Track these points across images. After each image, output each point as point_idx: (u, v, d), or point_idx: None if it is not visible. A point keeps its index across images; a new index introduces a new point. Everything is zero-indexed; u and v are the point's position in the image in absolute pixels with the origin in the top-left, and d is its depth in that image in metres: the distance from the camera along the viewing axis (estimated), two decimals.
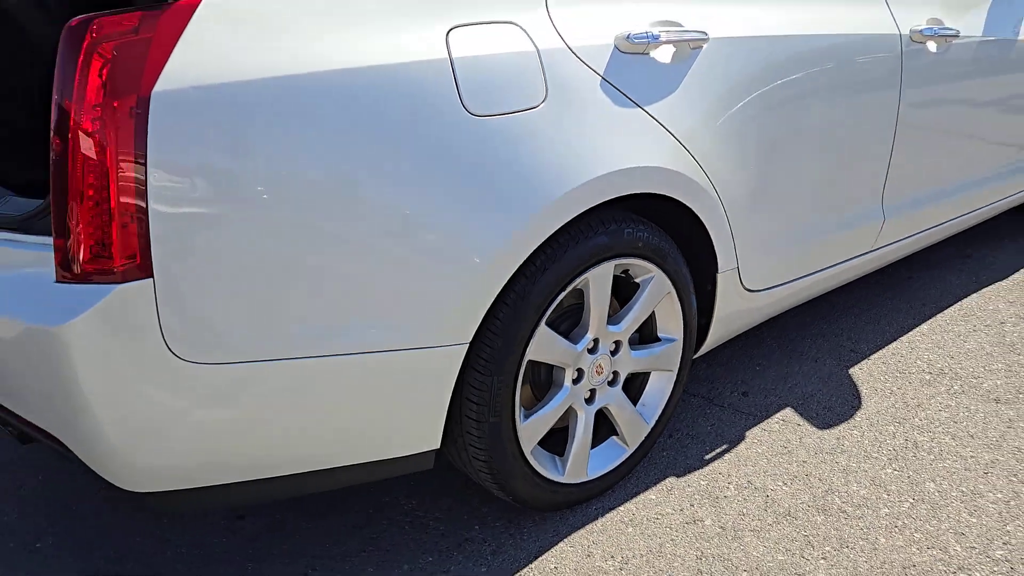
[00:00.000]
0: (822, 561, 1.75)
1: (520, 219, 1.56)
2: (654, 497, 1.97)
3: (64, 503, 2.02)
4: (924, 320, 2.81)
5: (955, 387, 2.41)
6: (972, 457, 2.09)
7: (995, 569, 1.70)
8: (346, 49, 1.41)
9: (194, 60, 1.29)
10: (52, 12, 2.07)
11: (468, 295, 1.54)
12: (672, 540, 1.83)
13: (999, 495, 1.94)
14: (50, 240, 1.39)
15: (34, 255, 1.43)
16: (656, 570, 1.74)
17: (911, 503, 1.92)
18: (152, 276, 1.31)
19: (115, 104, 1.26)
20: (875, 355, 2.60)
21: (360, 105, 1.41)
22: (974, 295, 3.00)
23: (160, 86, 1.27)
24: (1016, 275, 3.15)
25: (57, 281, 1.34)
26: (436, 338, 1.54)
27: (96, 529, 1.93)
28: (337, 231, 1.41)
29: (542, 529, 1.88)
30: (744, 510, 1.92)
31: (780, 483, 2.01)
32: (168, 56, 1.28)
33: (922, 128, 2.50)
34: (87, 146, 1.27)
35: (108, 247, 1.30)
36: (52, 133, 1.29)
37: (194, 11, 1.31)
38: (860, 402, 2.35)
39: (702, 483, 2.02)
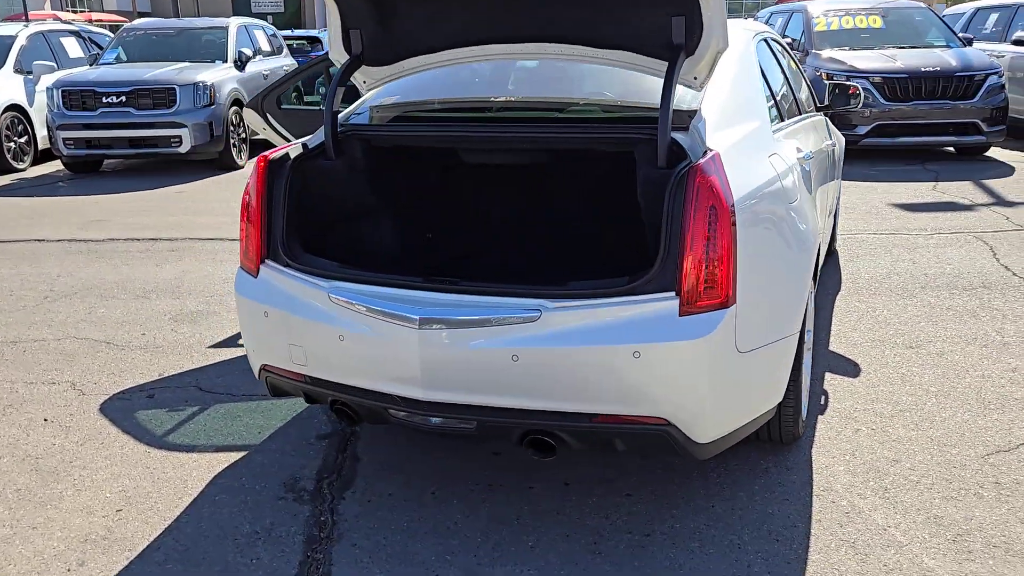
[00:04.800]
0: (901, 428, 3.23)
1: (810, 263, 2.85)
2: (821, 425, 3.29)
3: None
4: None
5: (894, 346, 4.11)
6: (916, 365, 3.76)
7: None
8: (757, 170, 2.61)
9: (732, 178, 2.40)
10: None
11: (802, 308, 2.77)
12: (848, 438, 3.17)
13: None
14: (654, 296, 2.33)
15: (641, 307, 2.34)
16: (853, 446, 3.06)
17: (918, 395, 3.51)
18: (736, 305, 2.36)
19: (717, 212, 2.31)
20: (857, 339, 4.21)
21: (769, 195, 2.61)
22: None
23: (734, 196, 2.36)
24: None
25: (680, 316, 2.31)
26: (796, 328, 2.74)
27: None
28: (786, 278, 2.60)
29: (797, 448, 3.09)
30: (862, 422, 3.33)
31: (871, 402, 3.46)
32: (726, 177, 2.37)
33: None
34: (700, 234, 2.30)
35: (717, 290, 2.32)
36: (688, 231, 2.29)
37: (721, 157, 2.42)
38: (858, 367, 3.92)
39: (836, 416, 3.38)
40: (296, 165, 2.88)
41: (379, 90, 3.31)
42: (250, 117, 4.49)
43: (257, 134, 7.75)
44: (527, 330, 2.38)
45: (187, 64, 10.27)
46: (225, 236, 6.68)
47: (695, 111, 2.70)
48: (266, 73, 11.23)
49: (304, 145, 3.00)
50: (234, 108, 10.02)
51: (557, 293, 2.39)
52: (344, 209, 3.09)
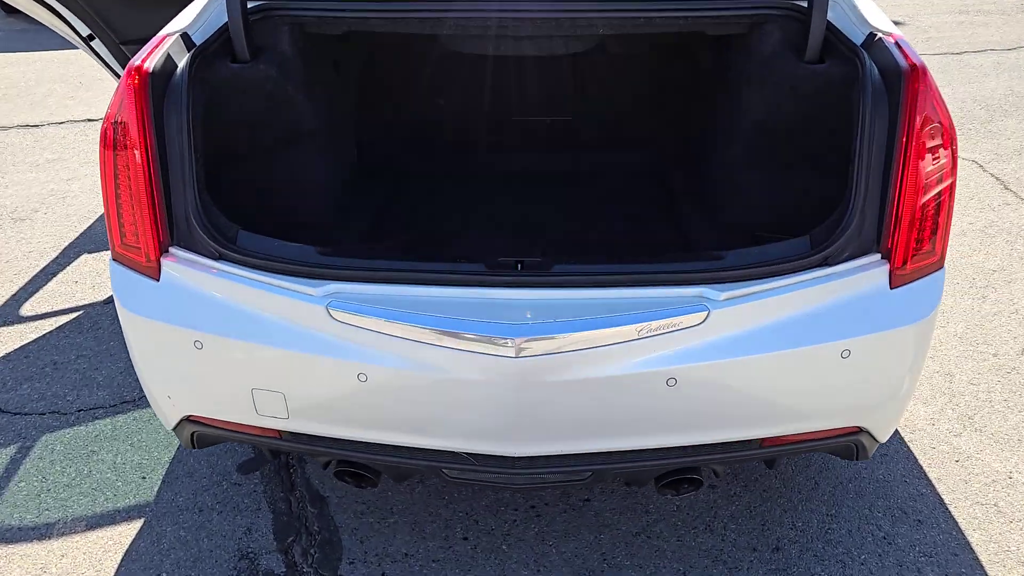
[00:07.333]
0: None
1: None
2: None
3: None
4: None
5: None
6: None
7: None
8: None
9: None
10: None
11: None
12: None
13: None
14: (856, 263, 1.59)
15: (843, 283, 1.59)
16: None
17: None
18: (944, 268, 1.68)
19: (944, 131, 1.58)
20: None
21: None
22: None
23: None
24: None
25: (892, 288, 1.61)
26: None
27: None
28: None
29: None
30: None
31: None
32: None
33: None
34: (918, 165, 1.57)
35: (931, 245, 1.63)
36: (902, 162, 1.54)
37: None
38: None
39: None
40: (197, 76, 1.67)
41: None
42: None
43: None
44: (690, 337, 1.55)
45: None
46: None
47: None
48: None
49: (185, 37, 1.76)
50: None
51: (722, 275, 1.56)
52: (279, 150, 1.93)
